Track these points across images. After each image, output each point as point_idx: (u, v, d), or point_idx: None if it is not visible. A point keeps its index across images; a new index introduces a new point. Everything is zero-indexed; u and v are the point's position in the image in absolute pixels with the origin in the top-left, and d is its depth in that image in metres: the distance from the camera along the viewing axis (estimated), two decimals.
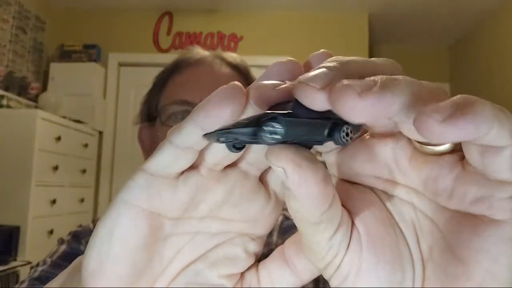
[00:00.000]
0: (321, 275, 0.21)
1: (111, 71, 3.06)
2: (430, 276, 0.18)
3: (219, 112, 0.17)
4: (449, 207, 0.17)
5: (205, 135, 0.17)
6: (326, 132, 0.17)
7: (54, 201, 2.34)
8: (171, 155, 0.18)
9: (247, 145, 0.19)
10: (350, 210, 0.20)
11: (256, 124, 0.15)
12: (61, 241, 0.66)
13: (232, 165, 0.21)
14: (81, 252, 0.63)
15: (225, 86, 0.17)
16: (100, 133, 2.98)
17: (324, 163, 0.20)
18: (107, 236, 0.19)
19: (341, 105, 0.14)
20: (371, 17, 3.09)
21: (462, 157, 0.17)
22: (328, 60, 0.16)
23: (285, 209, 0.21)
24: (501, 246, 0.16)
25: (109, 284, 0.19)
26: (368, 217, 0.19)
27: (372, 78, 0.15)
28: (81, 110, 2.74)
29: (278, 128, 0.15)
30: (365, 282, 0.18)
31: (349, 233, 0.19)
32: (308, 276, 0.22)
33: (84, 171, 2.72)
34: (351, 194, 0.20)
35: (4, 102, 2.40)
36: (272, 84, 0.17)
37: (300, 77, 0.16)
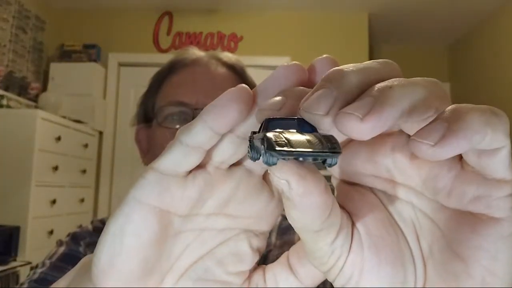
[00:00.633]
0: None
1: (111, 71, 3.07)
2: (431, 274, 0.18)
3: (227, 113, 0.18)
4: (448, 206, 0.18)
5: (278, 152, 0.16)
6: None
7: (54, 201, 2.34)
8: (181, 154, 0.19)
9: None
10: (350, 212, 0.20)
11: (327, 153, 0.15)
12: (60, 243, 0.66)
13: (237, 163, 0.21)
14: (80, 254, 0.63)
15: (233, 88, 0.18)
16: (100, 133, 2.98)
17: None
18: (118, 233, 0.19)
19: (347, 131, 0.15)
20: (371, 17, 3.09)
21: (461, 157, 0.17)
22: (328, 77, 0.16)
23: None
24: (499, 244, 0.16)
25: (120, 279, 0.19)
26: (368, 218, 0.20)
27: (370, 94, 0.15)
28: (81, 110, 2.74)
29: (334, 161, 0.16)
30: (368, 282, 0.19)
31: (350, 235, 0.19)
32: (310, 282, 0.22)
33: (84, 171, 2.72)
34: (351, 196, 0.21)
35: (4, 102, 2.40)
36: (276, 105, 0.17)
37: (303, 103, 0.16)
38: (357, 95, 0.16)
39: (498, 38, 2.95)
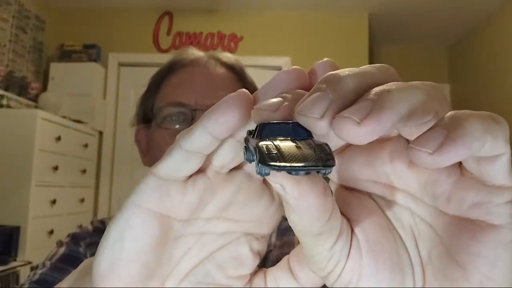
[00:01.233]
0: None
1: (111, 71, 3.07)
2: (430, 280, 0.18)
3: (227, 119, 0.18)
4: (447, 212, 0.18)
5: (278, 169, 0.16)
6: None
7: (54, 201, 2.34)
8: (181, 159, 0.19)
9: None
10: (348, 218, 0.20)
11: (320, 167, 0.15)
12: (60, 244, 0.65)
13: (237, 167, 0.21)
14: (80, 254, 0.63)
15: (233, 93, 0.18)
16: (100, 133, 2.98)
17: None
18: (119, 238, 0.19)
19: (344, 135, 0.14)
20: (371, 17, 3.09)
21: (460, 163, 0.17)
22: (324, 80, 0.16)
23: None
24: (498, 251, 0.16)
25: (120, 284, 0.19)
26: (367, 224, 0.20)
27: (367, 97, 0.15)
28: (81, 110, 2.74)
29: (328, 171, 0.16)
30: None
31: (349, 241, 0.19)
32: (309, 285, 0.22)
33: (84, 171, 2.72)
34: (349, 202, 0.20)
35: (4, 102, 2.40)
36: (273, 106, 0.17)
37: (298, 106, 0.16)
38: (353, 99, 0.16)
39: (498, 38, 2.95)
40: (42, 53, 2.91)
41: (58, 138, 2.38)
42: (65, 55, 2.93)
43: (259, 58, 2.96)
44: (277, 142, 0.15)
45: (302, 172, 0.15)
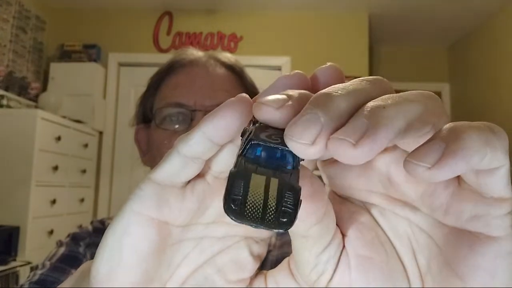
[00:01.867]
0: None
1: (111, 71, 3.07)
2: None
3: (227, 124, 0.17)
4: (445, 223, 0.18)
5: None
6: None
7: (54, 201, 2.34)
8: (179, 165, 0.18)
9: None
10: (340, 231, 0.20)
11: (276, 227, 0.16)
12: (59, 244, 0.65)
13: None
14: (80, 255, 0.63)
15: (232, 98, 0.18)
16: (100, 133, 2.98)
17: (320, 177, 0.20)
18: (117, 245, 0.19)
19: (340, 157, 0.14)
20: (371, 17, 3.09)
21: None
22: (314, 102, 0.15)
23: None
24: (498, 262, 0.16)
25: None
26: (357, 240, 0.20)
27: (362, 115, 0.15)
28: (81, 110, 2.74)
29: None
30: None
31: (338, 254, 0.19)
32: (311, 284, 0.22)
33: (84, 171, 2.72)
34: (340, 216, 0.20)
35: (4, 102, 2.40)
36: (277, 102, 0.17)
37: (288, 128, 0.15)
38: (346, 120, 0.15)
39: (498, 39, 2.95)
40: (42, 53, 2.91)
41: (58, 138, 2.38)
42: (65, 55, 2.93)
43: (259, 58, 2.96)
44: (246, 188, 0.15)
45: (261, 227, 0.15)
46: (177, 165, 0.18)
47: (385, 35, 3.42)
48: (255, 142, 0.16)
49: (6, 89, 2.49)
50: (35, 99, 2.73)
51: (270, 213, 0.15)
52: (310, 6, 3.01)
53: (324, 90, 0.16)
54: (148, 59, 2.97)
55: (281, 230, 0.15)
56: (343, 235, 0.20)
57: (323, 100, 0.15)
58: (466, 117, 3.44)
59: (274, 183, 0.15)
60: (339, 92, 0.16)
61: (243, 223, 0.15)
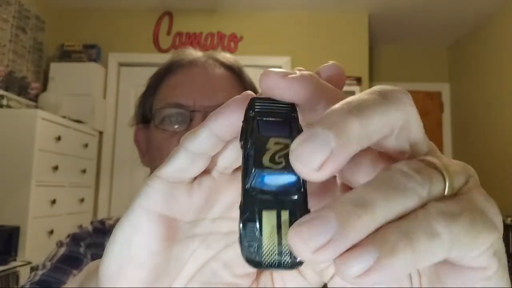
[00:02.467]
0: None
1: (111, 71, 3.07)
2: (425, 285, 0.19)
3: (233, 121, 0.18)
4: None
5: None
6: None
7: (54, 201, 2.34)
8: (187, 161, 0.19)
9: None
10: None
11: (290, 267, 0.16)
12: (60, 244, 0.65)
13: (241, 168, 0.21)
14: (80, 255, 0.63)
15: (238, 96, 0.18)
16: (100, 133, 2.98)
17: None
18: (126, 242, 0.19)
19: (296, 254, 0.14)
20: (371, 17, 3.09)
21: None
22: (327, 121, 0.15)
23: None
24: (482, 284, 0.16)
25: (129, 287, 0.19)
26: None
27: (334, 219, 0.14)
28: (81, 110, 2.74)
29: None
30: None
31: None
32: (316, 281, 0.23)
33: (84, 171, 2.72)
34: None
35: (4, 102, 2.40)
36: (283, 72, 0.17)
37: (294, 146, 0.15)
38: (357, 149, 0.15)
39: (498, 38, 2.95)
40: (42, 53, 2.91)
41: (58, 138, 2.38)
42: (65, 55, 2.93)
43: (259, 58, 2.96)
44: (263, 222, 0.15)
45: (277, 270, 0.15)
46: (184, 161, 0.19)
47: (385, 35, 3.42)
48: (259, 170, 0.16)
49: (6, 89, 2.49)
50: (35, 99, 2.73)
51: (286, 256, 0.15)
52: (310, 6, 3.01)
53: (338, 107, 0.15)
54: (148, 59, 2.97)
55: (294, 269, 0.15)
56: None
57: (337, 120, 0.15)
58: (466, 117, 3.43)
59: (285, 215, 0.15)
60: (354, 112, 0.15)
61: (262, 270, 0.15)
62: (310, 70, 0.20)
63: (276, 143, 0.16)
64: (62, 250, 0.63)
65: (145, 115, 0.69)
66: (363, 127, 0.15)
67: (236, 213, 0.22)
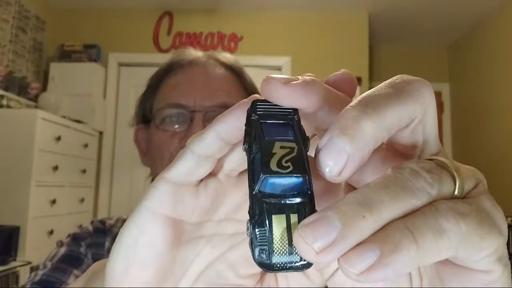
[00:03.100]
0: None
1: (111, 71, 3.07)
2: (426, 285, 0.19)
3: (240, 124, 0.18)
4: None
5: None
6: None
7: (54, 201, 2.34)
8: (193, 163, 0.19)
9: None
10: None
11: (302, 268, 0.16)
12: (60, 244, 0.66)
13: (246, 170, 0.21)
14: (80, 255, 0.63)
15: (245, 100, 0.18)
16: (100, 133, 2.98)
17: None
18: (132, 243, 0.19)
19: (302, 255, 0.14)
20: (371, 17, 3.09)
21: None
22: (343, 125, 0.15)
23: None
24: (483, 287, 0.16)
25: None
26: None
27: (336, 219, 0.14)
28: (81, 110, 2.74)
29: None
30: None
31: None
32: (319, 281, 0.23)
33: (84, 171, 2.72)
34: None
35: (4, 102, 2.40)
36: (285, 79, 0.17)
37: (319, 156, 0.15)
38: (374, 146, 0.15)
39: (498, 39, 2.95)
40: (42, 53, 2.90)
41: (58, 138, 2.38)
42: (65, 55, 2.93)
43: (259, 58, 2.96)
44: (273, 226, 0.16)
45: (289, 271, 0.16)
46: (191, 164, 0.19)
47: (385, 35, 3.42)
48: (267, 176, 0.16)
49: (6, 89, 2.49)
50: (35, 99, 2.73)
51: (296, 258, 0.15)
52: (310, 6, 3.01)
53: (350, 108, 0.15)
54: (148, 59, 2.97)
55: (305, 270, 0.16)
56: None
57: (351, 125, 0.15)
58: (466, 117, 3.43)
59: (294, 218, 0.16)
60: (369, 113, 0.15)
61: (274, 273, 0.15)
62: (310, 71, 0.20)
63: (281, 147, 0.16)
64: (63, 250, 0.64)
65: (145, 115, 0.69)
66: (377, 125, 0.15)
67: (241, 214, 0.22)
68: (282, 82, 0.17)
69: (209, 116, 0.62)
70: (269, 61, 2.98)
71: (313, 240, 0.14)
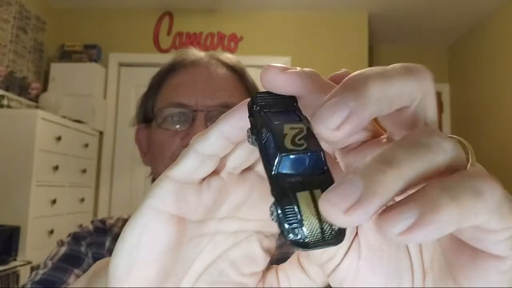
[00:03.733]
0: None
1: (111, 71, 3.07)
2: (429, 286, 0.19)
3: (243, 124, 0.18)
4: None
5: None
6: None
7: (54, 201, 2.34)
8: (197, 162, 0.19)
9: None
10: None
11: (335, 243, 0.16)
12: (60, 243, 0.66)
13: (249, 168, 0.22)
14: (81, 254, 0.63)
15: (248, 99, 0.19)
16: (100, 133, 2.98)
17: None
18: (136, 242, 0.19)
19: (332, 221, 0.14)
20: (371, 17, 3.09)
21: None
22: (347, 84, 0.15)
23: None
24: (497, 277, 0.16)
25: (137, 286, 0.19)
26: (370, 230, 0.20)
27: (358, 178, 0.14)
28: (81, 110, 2.75)
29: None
30: None
31: (350, 240, 0.20)
32: (321, 279, 0.23)
33: (84, 171, 2.72)
34: None
35: (5, 102, 2.40)
36: (282, 67, 0.18)
37: (317, 111, 0.15)
38: (377, 108, 0.15)
39: (498, 38, 2.95)
40: (43, 54, 2.91)
41: (58, 138, 2.38)
42: (66, 55, 2.94)
43: (259, 58, 2.96)
44: (299, 204, 0.15)
45: (322, 247, 0.16)
46: (195, 162, 0.19)
47: (385, 35, 3.42)
48: (284, 154, 0.16)
49: (7, 89, 2.49)
50: (35, 99, 2.73)
51: (328, 231, 0.15)
52: (310, 6, 3.01)
53: (358, 72, 0.16)
54: (149, 59, 2.97)
55: (338, 244, 0.16)
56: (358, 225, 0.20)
57: (356, 82, 0.15)
58: (466, 117, 3.43)
59: (318, 193, 0.16)
60: (374, 73, 0.16)
61: (309, 251, 0.15)
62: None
63: (291, 128, 0.17)
64: (63, 249, 0.64)
65: (147, 115, 0.69)
66: (382, 90, 0.15)
67: (243, 213, 0.22)
68: (280, 70, 0.18)
69: (211, 116, 0.62)
70: (269, 61, 2.91)
71: (339, 201, 0.13)
